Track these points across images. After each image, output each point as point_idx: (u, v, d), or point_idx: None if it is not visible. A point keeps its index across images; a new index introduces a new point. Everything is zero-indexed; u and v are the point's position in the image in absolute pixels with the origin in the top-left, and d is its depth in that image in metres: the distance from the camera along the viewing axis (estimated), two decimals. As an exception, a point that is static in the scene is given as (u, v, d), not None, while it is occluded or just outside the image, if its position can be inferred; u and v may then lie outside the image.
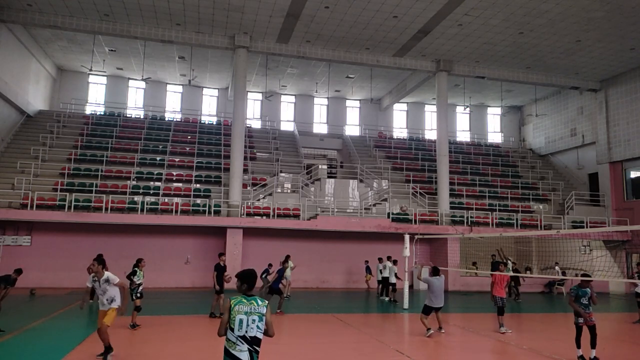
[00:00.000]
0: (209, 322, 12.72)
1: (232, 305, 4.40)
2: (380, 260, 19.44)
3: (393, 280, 17.92)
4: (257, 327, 4.38)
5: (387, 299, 18.24)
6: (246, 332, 4.33)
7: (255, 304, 4.43)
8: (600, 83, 27.53)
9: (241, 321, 4.34)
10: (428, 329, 10.97)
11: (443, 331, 11.34)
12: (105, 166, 22.98)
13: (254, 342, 4.36)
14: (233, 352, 4.31)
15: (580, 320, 8.76)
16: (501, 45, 23.28)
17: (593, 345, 8.67)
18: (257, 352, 4.37)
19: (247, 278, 4.56)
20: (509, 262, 20.00)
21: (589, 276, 9.13)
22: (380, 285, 19.09)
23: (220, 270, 13.04)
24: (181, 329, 11.46)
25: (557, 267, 23.32)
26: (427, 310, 11.20)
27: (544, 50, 23.64)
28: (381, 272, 18.99)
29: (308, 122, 31.99)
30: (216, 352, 9.66)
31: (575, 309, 8.77)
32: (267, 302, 4.53)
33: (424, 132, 33.75)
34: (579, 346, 8.81)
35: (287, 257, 17.84)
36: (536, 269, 24.36)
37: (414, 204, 24.94)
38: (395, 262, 18.38)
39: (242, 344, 4.32)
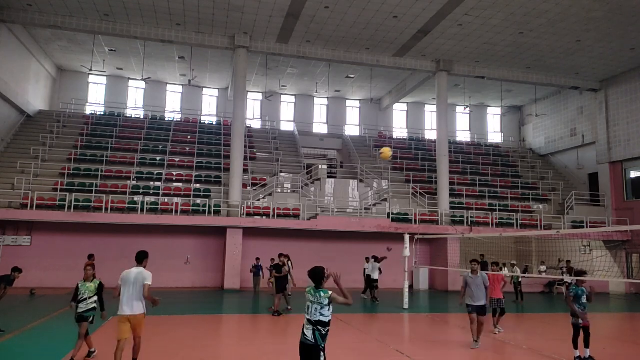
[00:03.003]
0: (210, 322, 12.73)
1: (306, 294, 5.77)
2: (367, 260, 19.37)
3: (376, 276, 18.00)
4: (320, 313, 5.59)
5: (366, 297, 18.52)
6: (311, 316, 5.60)
7: (319, 296, 5.63)
8: (600, 83, 27.53)
9: (308, 307, 5.69)
10: (475, 341, 10.15)
11: (478, 345, 10.12)
12: (105, 166, 22.97)
13: (318, 324, 5.58)
14: (304, 329, 5.63)
15: (580, 321, 8.75)
16: (501, 45, 23.28)
17: (587, 344, 8.75)
18: (320, 331, 5.55)
19: (311, 276, 5.81)
20: (510, 265, 19.94)
21: (585, 273, 9.16)
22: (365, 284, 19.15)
23: (278, 269, 13.61)
24: (182, 329, 11.45)
25: (542, 267, 23.26)
26: (468, 309, 10.38)
27: (544, 50, 23.64)
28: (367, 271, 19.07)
29: (308, 122, 31.98)
30: (216, 352, 9.69)
31: (573, 309, 8.76)
32: (330, 292, 5.60)
33: (424, 132, 33.76)
34: (576, 347, 8.82)
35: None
36: (535, 269, 24.34)
37: (414, 204, 24.95)
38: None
39: (309, 324, 5.60)
